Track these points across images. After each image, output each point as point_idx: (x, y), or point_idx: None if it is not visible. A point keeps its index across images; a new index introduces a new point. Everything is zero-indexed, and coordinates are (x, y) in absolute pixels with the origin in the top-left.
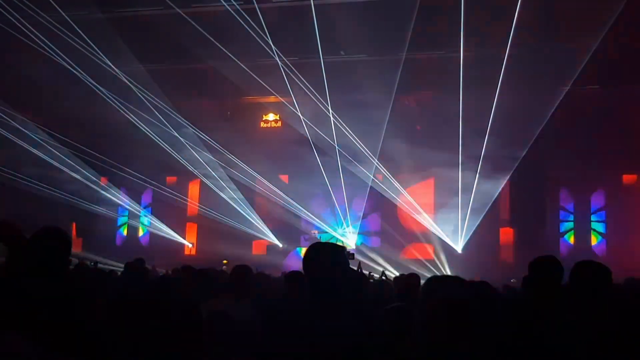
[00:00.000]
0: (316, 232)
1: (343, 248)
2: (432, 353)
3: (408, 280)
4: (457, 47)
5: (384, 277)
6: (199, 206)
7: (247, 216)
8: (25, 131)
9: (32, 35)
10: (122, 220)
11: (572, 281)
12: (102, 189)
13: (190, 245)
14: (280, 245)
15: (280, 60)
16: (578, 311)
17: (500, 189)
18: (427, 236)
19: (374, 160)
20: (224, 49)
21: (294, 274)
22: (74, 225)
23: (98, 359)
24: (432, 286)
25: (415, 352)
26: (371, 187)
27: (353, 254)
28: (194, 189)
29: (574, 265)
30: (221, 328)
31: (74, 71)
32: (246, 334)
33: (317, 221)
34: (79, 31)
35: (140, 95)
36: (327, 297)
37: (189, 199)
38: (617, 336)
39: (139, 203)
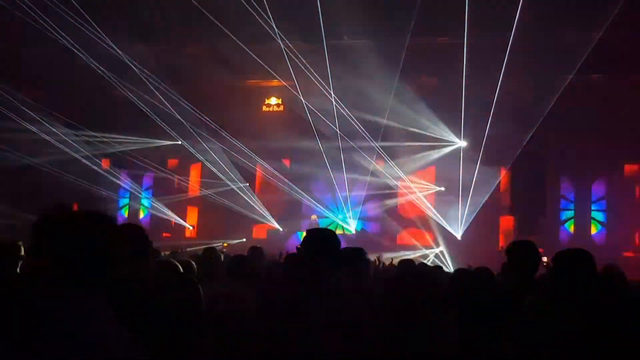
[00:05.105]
0: (316, 217)
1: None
2: None
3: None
4: (461, 33)
5: (377, 262)
6: (200, 189)
7: (248, 200)
8: (28, 110)
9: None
10: (123, 202)
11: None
12: (104, 171)
13: (190, 228)
14: (281, 229)
15: (283, 44)
16: (556, 297)
17: (501, 177)
18: (427, 223)
19: (376, 146)
20: (227, 31)
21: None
22: (75, 206)
23: None
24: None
25: None
26: (372, 172)
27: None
28: (195, 172)
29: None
30: (222, 310)
31: (77, 52)
32: (247, 316)
33: (317, 206)
34: (82, 12)
35: (142, 76)
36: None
37: (190, 182)
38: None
39: (141, 185)
